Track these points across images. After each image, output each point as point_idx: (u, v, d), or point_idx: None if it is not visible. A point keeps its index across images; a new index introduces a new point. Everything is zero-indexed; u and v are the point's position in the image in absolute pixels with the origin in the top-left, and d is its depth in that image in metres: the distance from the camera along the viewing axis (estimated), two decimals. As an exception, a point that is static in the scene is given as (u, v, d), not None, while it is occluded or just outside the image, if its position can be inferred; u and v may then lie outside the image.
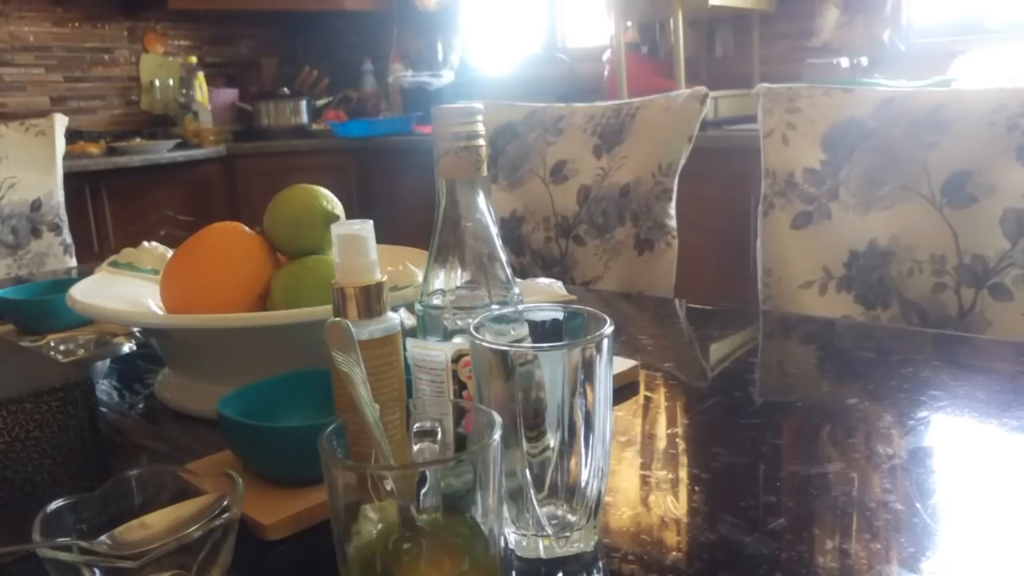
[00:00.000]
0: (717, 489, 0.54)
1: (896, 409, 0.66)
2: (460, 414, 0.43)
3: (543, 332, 0.50)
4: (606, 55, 2.61)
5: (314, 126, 3.23)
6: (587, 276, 1.31)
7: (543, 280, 1.02)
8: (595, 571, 0.46)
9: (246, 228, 0.75)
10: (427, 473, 0.41)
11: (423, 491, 0.40)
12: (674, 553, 0.47)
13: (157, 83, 3.33)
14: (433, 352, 0.52)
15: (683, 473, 0.57)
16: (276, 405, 0.59)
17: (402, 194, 2.83)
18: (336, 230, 0.50)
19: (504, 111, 1.49)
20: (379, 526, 0.39)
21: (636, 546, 0.48)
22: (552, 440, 0.45)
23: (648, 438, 0.64)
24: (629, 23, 2.56)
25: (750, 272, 1.17)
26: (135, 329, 0.89)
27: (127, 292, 0.78)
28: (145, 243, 0.89)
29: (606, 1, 2.49)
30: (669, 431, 0.65)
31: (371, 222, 0.51)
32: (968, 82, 1.90)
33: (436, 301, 0.53)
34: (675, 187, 1.23)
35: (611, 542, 0.48)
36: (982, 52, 2.07)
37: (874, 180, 1.05)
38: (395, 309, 0.53)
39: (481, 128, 0.52)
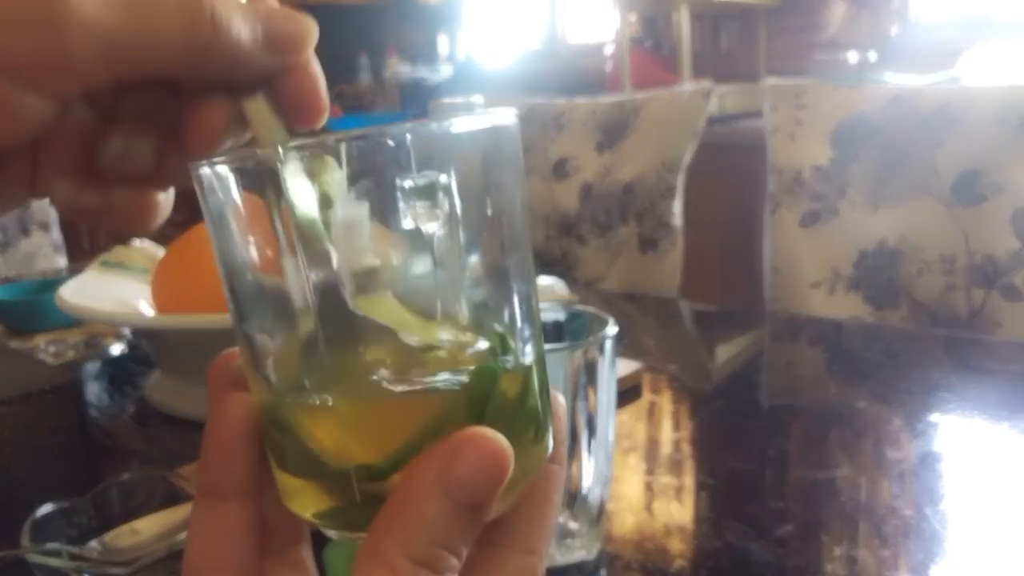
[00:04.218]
0: (723, 495, 0.54)
1: (905, 412, 0.66)
2: None
3: (544, 333, 0.49)
4: (609, 49, 2.60)
5: (311, 121, 3.23)
6: (589, 276, 1.30)
7: (545, 280, 1.01)
8: (597, 581, 0.45)
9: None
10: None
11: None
12: (679, 561, 0.47)
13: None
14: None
15: (688, 479, 0.57)
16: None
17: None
18: None
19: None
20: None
21: (640, 554, 0.47)
22: (553, 446, 0.44)
23: (652, 443, 0.63)
24: (632, 17, 2.55)
25: (757, 271, 1.16)
26: (126, 330, 0.88)
27: (118, 292, 0.77)
28: (136, 242, 0.89)
29: (609, -5, 2.48)
30: (674, 436, 0.64)
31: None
32: (976, 79, 1.89)
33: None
34: (680, 184, 1.22)
35: (614, 550, 0.48)
36: (989, 48, 2.06)
37: (883, 178, 1.04)
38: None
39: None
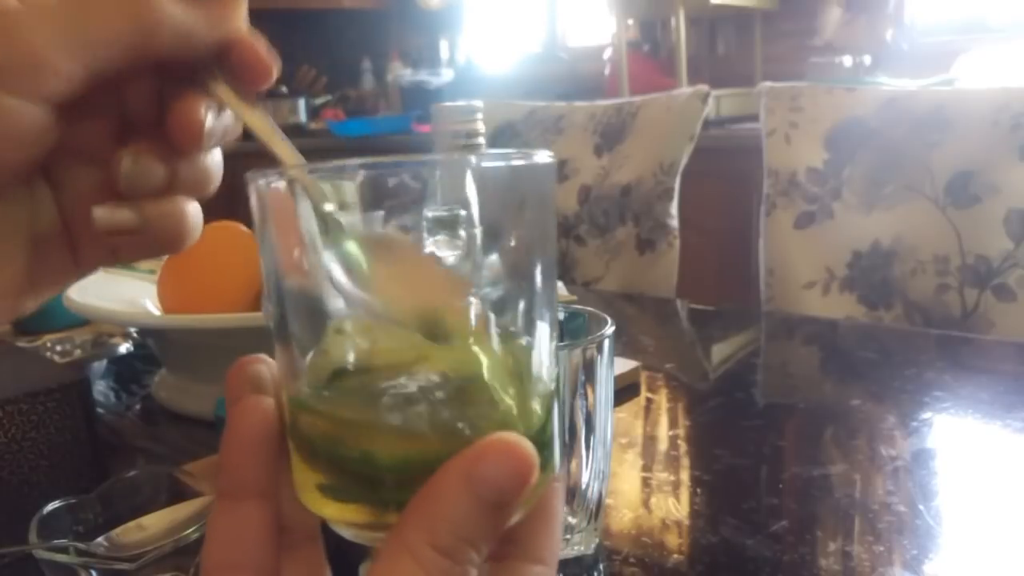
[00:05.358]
0: (719, 491, 0.54)
1: (899, 410, 0.66)
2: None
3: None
4: (607, 53, 2.60)
5: (312, 125, 3.22)
6: (588, 276, 1.31)
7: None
8: (595, 574, 0.46)
9: (243, 227, 0.75)
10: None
11: None
12: (675, 556, 0.47)
13: (157, 82, 3.32)
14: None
15: (684, 475, 0.57)
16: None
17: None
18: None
19: (504, 110, 1.49)
20: (360, 344, 0.22)
21: (637, 549, 0.48)
22: (552, 442, 0.45)
23: (649, 440, 0.63)
24: (630, 21, 2.56)
25: (752, 272, 1.16)
26: (132, 329, 0.88)
27: (124, 292, 0.77)
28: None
29: (607, -1, 2.49)
30: (670, 433, 0.64)
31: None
32: (971, 81, 1.90)
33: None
34: (677, 187, 1.22)
35: (612, 545, 0.48)
36: (985, 51, 2.07)
37: (877, 180, 1.04)
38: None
39: (481, 126, 0.52)
